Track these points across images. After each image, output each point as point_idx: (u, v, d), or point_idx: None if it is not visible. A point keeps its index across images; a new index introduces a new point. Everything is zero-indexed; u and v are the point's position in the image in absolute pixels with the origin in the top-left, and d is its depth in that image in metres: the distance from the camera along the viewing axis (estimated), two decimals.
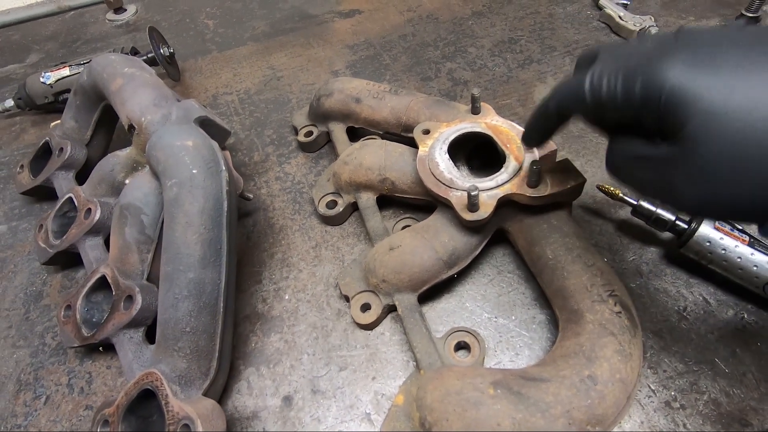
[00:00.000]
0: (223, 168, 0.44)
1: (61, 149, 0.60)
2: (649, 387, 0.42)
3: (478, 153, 0.54)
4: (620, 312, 0.39)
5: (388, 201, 0.56)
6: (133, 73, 0.54)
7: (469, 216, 0.43)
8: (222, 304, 0.41)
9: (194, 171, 0.42)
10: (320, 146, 0.66)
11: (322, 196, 0.57)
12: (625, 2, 0.80)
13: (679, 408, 0.40)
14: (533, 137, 0.40)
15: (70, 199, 0.55)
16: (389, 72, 0.77)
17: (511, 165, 0.46)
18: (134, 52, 0.78)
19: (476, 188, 0.42)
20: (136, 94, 0.51)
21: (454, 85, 0.73)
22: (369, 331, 0.48)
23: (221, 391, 0.43)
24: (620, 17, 0.77)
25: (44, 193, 0.62)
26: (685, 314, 0.46)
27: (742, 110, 0.23)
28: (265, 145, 0.68)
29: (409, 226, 0.53)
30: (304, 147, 0.65)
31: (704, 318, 0.45)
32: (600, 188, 0.52)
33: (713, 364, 0.42)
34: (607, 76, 0.29)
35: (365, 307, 0.47)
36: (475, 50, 0.78)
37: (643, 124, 0.28)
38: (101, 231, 0.52)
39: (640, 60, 0.27)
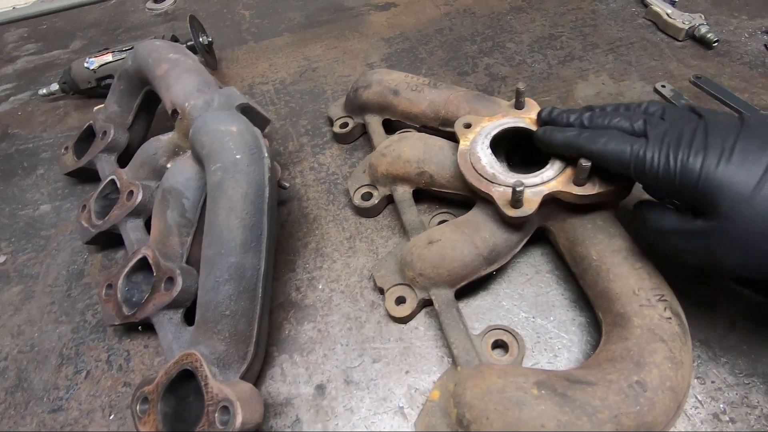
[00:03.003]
0: (266, 154, 0.44)
1: (105, 132, 0.61)
2: (696, 398, 0.40)
3: (517, 149, 0.53)
4: (670, 318, 0.37)
5: (422, 195, 0.55)
6: (178, 59, 0.54)
7: (512, 212, 0.42)
8: (261, 290, 0.41)
9: (238, 156, 0.42)
10: (355, 138, 0.66)
11: (358, 188, 0.57)
12: None
13: (728, 421, 0.39)
14: (554, 151, 0.45)
15: (113, 181, 0.56)
16: (425, 66, 0.76)
17: (557, 161, 0.45)
18: (174, 39, 0.80)
19: (522, 184, 0.41)
20: (181, 80, 0.52)
21: (491, 81, 0.71)
22: (403, 325, 0.47)
23: (257, 376, 0.44)
24: (668, 15, 0.74)
25: (86, 175, 0.64)
26: (734, 323, 0.44)
27: (762, 196, 0.31)
28: (299, 135, 0.68)
29: (445, 220, 0.52)
30: (338, 138, 0.65)
31: (755, 328, 0.43)
32: None
33: (766, 377, 0.40)
34: (651, 154, 0.35)
35: (400, 300, 0.47)
36: (513, 46, 0.77)
37: (679, 199, 0.35)
38: (142, 213, 0.53)
39: (680, 147, 0.34)
